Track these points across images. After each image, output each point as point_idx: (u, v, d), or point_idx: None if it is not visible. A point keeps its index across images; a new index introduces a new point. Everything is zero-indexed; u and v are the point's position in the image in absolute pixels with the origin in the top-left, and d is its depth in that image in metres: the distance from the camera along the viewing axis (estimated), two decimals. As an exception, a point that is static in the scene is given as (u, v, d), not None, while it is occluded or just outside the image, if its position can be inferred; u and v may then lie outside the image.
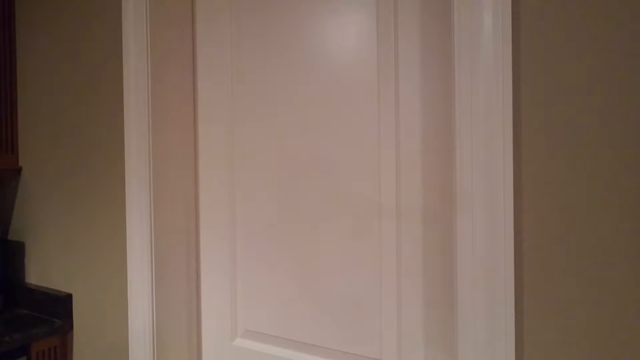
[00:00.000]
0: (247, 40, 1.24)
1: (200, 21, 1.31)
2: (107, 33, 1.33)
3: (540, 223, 0.80)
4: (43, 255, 1.51)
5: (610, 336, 0.76)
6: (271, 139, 1.21)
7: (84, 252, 1.41)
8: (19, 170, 1.56)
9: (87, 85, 1.38)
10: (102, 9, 1.34)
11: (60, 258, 1.47)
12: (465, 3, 0.84)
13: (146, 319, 1.24)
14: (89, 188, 1.39)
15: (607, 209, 0.76)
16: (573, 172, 0.78)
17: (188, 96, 1.32)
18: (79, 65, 1.40)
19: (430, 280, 1.01)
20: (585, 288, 0.78)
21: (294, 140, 1.17)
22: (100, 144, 1.36)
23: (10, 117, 1.55)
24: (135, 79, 1.25)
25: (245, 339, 1.27)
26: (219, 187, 1.29)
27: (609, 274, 0.76)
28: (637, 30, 0.74)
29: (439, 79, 0.99)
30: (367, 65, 1.07)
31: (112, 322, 1.34)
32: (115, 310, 1.33)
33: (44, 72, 1.49)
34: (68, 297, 1.42)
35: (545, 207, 0.80)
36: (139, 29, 1.23)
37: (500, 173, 0.82)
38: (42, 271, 1.51)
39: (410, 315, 1.04)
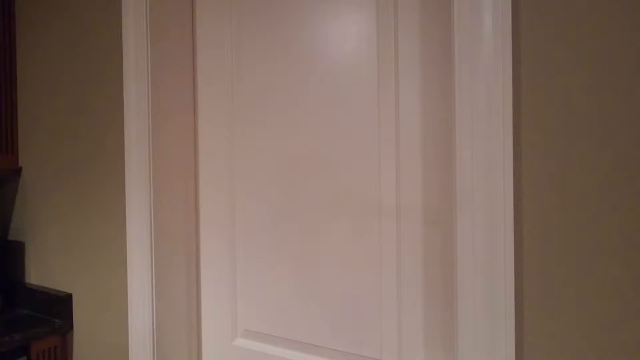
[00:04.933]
0: (247, 40, 1.24)
1: (200, 22, 1.31)
2: (107, 33, 1.33)
3: (540, 223, 0.80)
4: (43, 255, 1.51)
5: (610, 336, 0.76)
6: (271, 139, 1.21)
7: (84, 252, 1.41)
8: (19, 170, 1.56)
9: (87, 86, 1.38)
10: (102, 9, 1.34)
11: (60, 258, 1.47)
12: (465, 3, 0.84)
13: (146, 319, 1.24)
14: (89, 188, 1.39)
15: (607, 208, 0.76)
16: (573, 171, 0.78)
17: (188, 96, 1.32)
18: (79, 66, 1.40)
19: (430, 280, 1.01)
20: (586, 288, 0.78)
21: (294, 140, 1.17)
22: (100, 143, 1.36)
23: (10, 117, 1.55)
24: (135, 78, 1.25)
25: (245, 339, 1.27)
26: (219, 187, 1.29)
27: (609, 273, 0.76)
28: (637, 30, 0.74)
29: (439, 79, 0.99)
30: (367, 65, 1.07)
31: (112, 322, 1.34)
32: (116, 310, 1.33)
33: (44, 72, 1.49)
34: (68, 297, 1.42)
35: (545, 207, 0.80)
36: (139, 29, 1.24)
37: (500, 173, 0.82)
38: (42, 271, 1.51)
39: (410, 315, 1.04)
